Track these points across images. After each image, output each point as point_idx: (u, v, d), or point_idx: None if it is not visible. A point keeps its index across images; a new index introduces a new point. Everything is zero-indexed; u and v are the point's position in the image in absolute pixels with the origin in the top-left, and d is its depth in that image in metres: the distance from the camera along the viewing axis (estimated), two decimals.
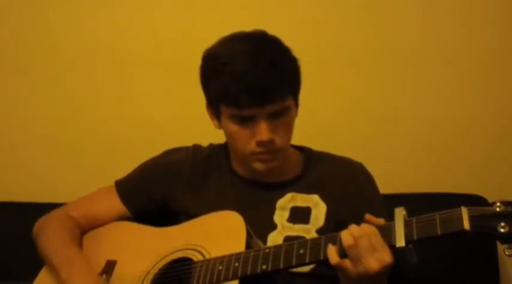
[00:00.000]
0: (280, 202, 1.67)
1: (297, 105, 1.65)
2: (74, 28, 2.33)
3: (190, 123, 2.06)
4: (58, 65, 2.35)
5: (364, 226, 1.36)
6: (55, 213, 1.79)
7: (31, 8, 2.33)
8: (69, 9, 2.32)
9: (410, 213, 1.36)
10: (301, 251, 1.41)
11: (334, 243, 1.39)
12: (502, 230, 1.22)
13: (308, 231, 1.62)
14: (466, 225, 1.25)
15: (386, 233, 1.34)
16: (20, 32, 2.35)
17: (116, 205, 1.78)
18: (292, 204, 1.66)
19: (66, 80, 2.36)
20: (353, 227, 1.36)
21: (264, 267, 1.43)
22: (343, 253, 1.37)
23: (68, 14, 2.33)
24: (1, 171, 2.40)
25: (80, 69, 2.35)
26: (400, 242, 1.30)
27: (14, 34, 2.35)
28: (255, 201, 1.68)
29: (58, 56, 2.34)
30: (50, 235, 1.71)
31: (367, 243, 1.33)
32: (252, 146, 1.59)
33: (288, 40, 1.63)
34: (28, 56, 2.36)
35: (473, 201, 2.07)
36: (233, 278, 1.46)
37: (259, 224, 1.60)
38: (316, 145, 1.79)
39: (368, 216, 1.39)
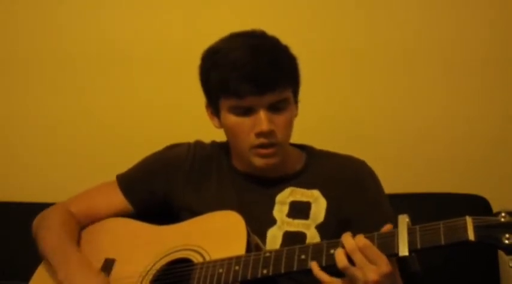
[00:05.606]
0: (279, 197, 1.66)
1: (296, 102, 1.65)
2: (73, 27, 2.33)
3: (191, 122, 2.05)
4: (58, 65, 2.34)
5: (357, 239, 1.36)
6: (54, 209, 1.78)
7: (36, 7, 2.32)
8: (72, 8, 2.32)
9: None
10: (303, 256, 1.41)
11: (335, 249, 1.38)
12: (507, 241, 1.21)
13: (308, 227, 1.62)
14: (471, 236, 1.24)
15: (390, 241, 1.33)
16: (22, 31, 2.34)
17: (118, 200, 1.77)
18: (291, 199, 1.66)
19: (65, 80, 2.35)
20: (347, 243, 1.36)
21: (264, 272, 1.43)
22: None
23: (70, 12, 2.32)
24: (1, 171, 2.39)
25: (79, 69, 2.34)
26: (404, 251, 1.30)
27: (15, 33, 2.34)
28: (254, 196, 1.67)
29: (59, 56, 2.33)
30: (48, 233, 1.70)
31: (360, 258, 1.33)
32: (251, 139, 1.58)
33: (288, 40, 1.63)
34: (29, 55, 2.35)
35: (473, 201, 2.08)
36: (233, 282, 1.45)
37: (258, 219, 1.59)
38: (316, 145, 1.79)
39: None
